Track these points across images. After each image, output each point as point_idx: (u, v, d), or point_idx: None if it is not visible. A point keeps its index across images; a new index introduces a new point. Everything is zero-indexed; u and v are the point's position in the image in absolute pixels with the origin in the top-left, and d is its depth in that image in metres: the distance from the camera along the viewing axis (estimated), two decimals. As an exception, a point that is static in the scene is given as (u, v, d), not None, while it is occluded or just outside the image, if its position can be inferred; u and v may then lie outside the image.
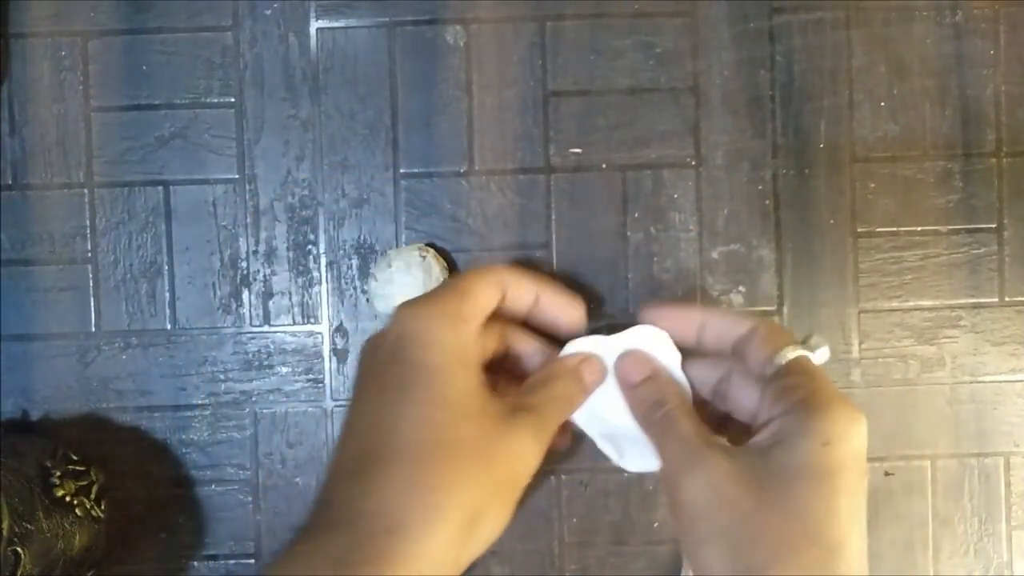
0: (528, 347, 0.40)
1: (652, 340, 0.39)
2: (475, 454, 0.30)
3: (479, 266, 0.44)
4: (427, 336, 0.31)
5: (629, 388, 0.37)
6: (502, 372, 0.40)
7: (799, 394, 0.32)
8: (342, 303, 0.67)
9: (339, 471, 0.30)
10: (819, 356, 0.35)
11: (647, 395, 0.36)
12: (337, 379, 0.67)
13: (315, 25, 0.66)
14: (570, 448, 0.41)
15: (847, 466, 0.30)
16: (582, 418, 0.39)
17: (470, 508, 0.29)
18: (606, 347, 0.39)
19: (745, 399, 0.36)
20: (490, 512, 0.30)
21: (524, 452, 0.32)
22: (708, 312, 0.38)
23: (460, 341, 0.32)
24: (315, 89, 0.66)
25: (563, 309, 0.39)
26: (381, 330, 0.34)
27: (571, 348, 0.39)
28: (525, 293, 0.38)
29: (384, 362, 0.31)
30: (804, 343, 0.35)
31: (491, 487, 0.30)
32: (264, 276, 0.66)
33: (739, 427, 0.37)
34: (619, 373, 0.38)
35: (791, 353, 0.34)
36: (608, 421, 0.39)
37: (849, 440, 0.30)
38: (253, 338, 0.66)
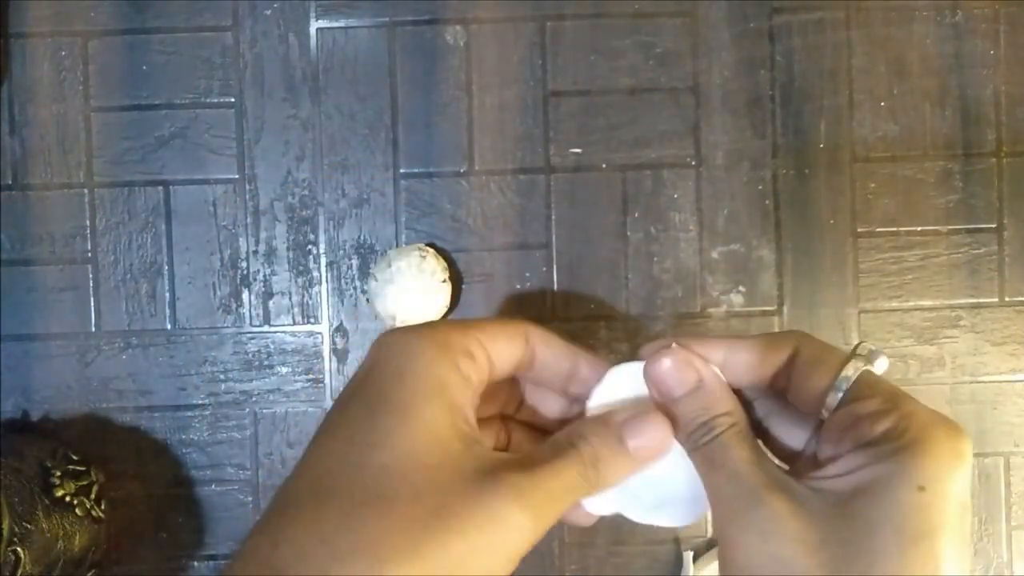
0: (563, 364, 0.30)
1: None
2: (426, 516, 0.22)
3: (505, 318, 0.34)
4: (401, 363, 0.25)
5: (670, 402, 0.28)
6: (527, 427, 0.32)
7: (881, 423, 0.24)
8: (342, 303, 0.67)
9: (263, 516, 0.24)
10: (879, 367, 0.27)
11: (693, 412, 0.27)
12: (337, 379, 0.67)
13: (315, 25, 0.66)
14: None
15: (950, 520, 0.23)
16: (619, 498, 0.28)
17: None
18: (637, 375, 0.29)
19: (796, 436, 0.29)
20: None
21: (503, 523, 0.23)
22: (731, 343, 0.29)
23: (440, 373, 0.25)
24: (315, 89, 0.66)
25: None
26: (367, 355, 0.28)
27: (615, 377, 0.29)
28: (560, 358, 0.29)
29: (350, 393, 0.25)
30: (857, 355, 0.27)
31: (444, 562, 0.22)
32: (264, 276, 0.66)
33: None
34: (655, 381, 0.28)
35: (853, 371, 0.26)
36: (658, 483, 0.29)
37: (952, 481, 0.23)
38: (253, 338, 0.66)
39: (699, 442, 0.27)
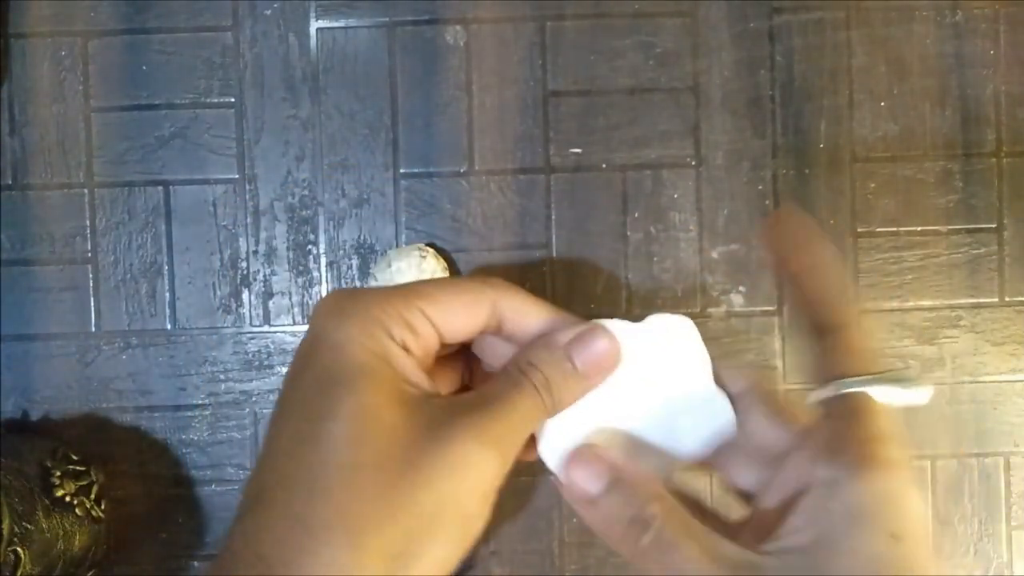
0: (526, 320, 0.27)
1: (675, 335, 0.28)
2: (391, 476, 0.22)
3: (469, 275, 0.29)
4: (337, 336, 0.24)
5: (585, 505, 0.25)
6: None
7: (842, 454, 0.23)
8: (342, 303, 0.67)
9: (237, 509, 0.24)
10: (896, 397, 0.25)
11: (619, 508, 0.25)
12: (337, 379, 0.67)
13: (315, 25, 0.66)
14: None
15: (928, 571, 0.22)
16: (561, 436, 0.27)
17: (384, 549, 0.22)
18: (623, 330, 0.27)
19: (770, 441, 0.27)
20: (425, 549, 0.23)
21: (468, 464, 0.23)
22: (756, 384, 0.27)
23: (375, 346, 0.24)
24: (315, 89, 0.66)
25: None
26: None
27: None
28: (534, 325, 0.27)
29: (296, 371, 0.25)
30: (880, 377, 0.26)
31: (419, 516, 0.22)
32: (264, 276, 0.66)
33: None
34: (568, 489, 0.26)
35: (850, 387, 0.25)
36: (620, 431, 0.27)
37: (921, 522, 0.22)
38: (253, 338, 0.66)
39: (640, 544, 0.24)
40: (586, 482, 0.25)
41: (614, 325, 0.27)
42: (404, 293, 0.25)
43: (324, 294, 0.66)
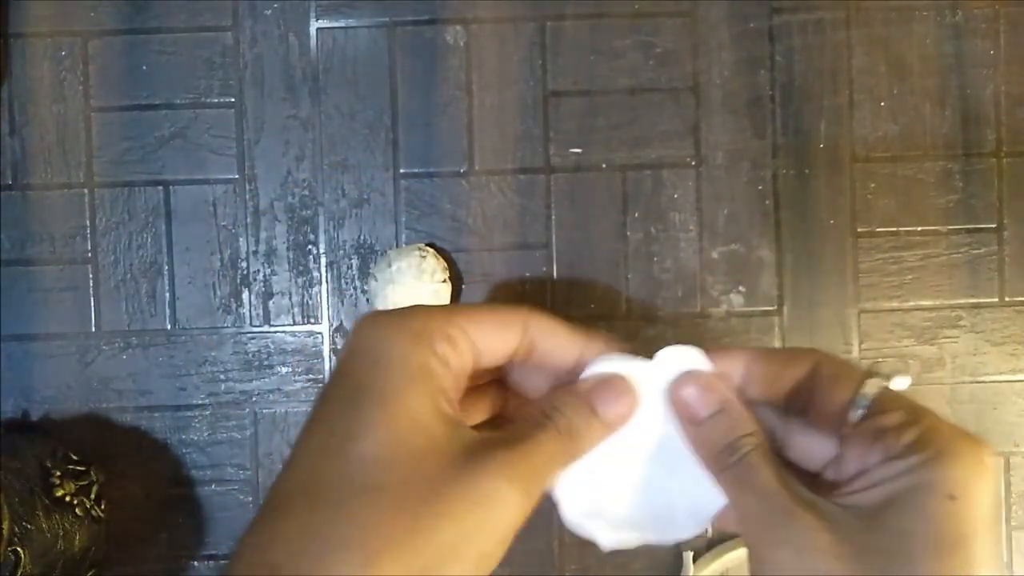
0: (558, 351, 0.29)
1: (687, 367, 0.29)
2: (416, 503, 0.22)
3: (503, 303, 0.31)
4: (377, 350, 0.24)
5: (693, 425, 0.28)
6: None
7: (906, 435, 0.24)
8: (342, 303, 0.67)
9: (257, 515, 0.24)
10: (897, 384, 0.27)
11: (718, 435, 0.27)
12: (337, 379, 0.67)
13: (315, 25, 0.66)
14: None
15: (981, 526, 0.23)
16: (593, 516, 0.29)
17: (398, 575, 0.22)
18: (639, 371, 0.29)
19: (815, 452, 0.28)
20: None
21: (493, 501, 0.23)
22: (751, 354, 0.29)
23: (417, 359, 0.24)
24: (315, 89, 0.66)
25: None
26: (345, 342, 0.27)
27: (595, 368, 0.29)
28: (565, 350, 0.28)
29: (331, 385, 0.25)
30: (876, 373, 0.27)
31: (439, 547, 0.22)
32: (264, 276, 0.66)
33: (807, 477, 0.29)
34: (678, 403, 0.28)
35: (874, 386, 0.26)
36: (632, 484, 0.29)
37: (981, 489, 0.23)
38: (253, 338, 0.66)
39: (726, 463, 0.27)
40: (697, 404, 0.28)
41: (630, 365, 0.28)
42: (444, 310, 0.26)
43: (323, 293, 0.66)
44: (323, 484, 0.23)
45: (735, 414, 0.27)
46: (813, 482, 0.28)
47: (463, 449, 0.24)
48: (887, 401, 0.26)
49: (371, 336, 0.25)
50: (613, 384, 0.28)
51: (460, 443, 0.24)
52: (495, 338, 0.27)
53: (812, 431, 0.28)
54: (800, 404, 0.28)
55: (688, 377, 0.28)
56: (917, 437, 0.24)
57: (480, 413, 0.31)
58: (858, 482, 0.25)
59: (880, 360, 0.25)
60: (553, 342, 0.28)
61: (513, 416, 0.31)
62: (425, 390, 0.24)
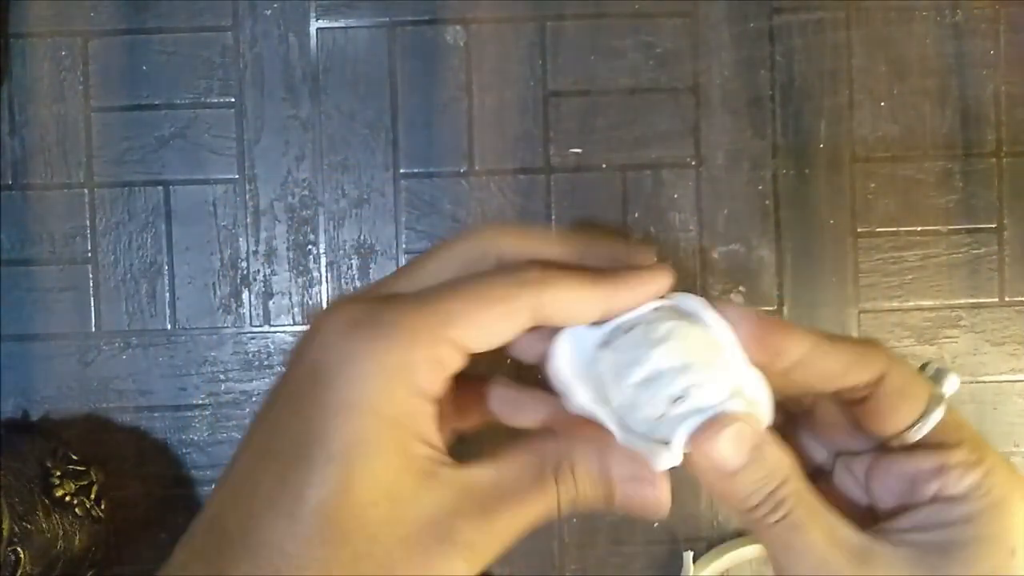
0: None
1: (694, 316, 0.24)
2: None
3: (502, 272, 0.24)
4: (348, 387, 0.20)
5: (720, 476, 0.23)
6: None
7: (969, 477, 0.23)
8: (342, 303, 0.67)
9: (187, 535, 0.22)
10: (950, 388, 0.25)
11: (754, 486, 0.23)
12: (337, 379, 0.67)
13: (315, 25, 0.66)
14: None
15: None
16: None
17: None
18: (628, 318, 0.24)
19: (847, 445, 0.26)
20: None
21: None
22: (817, 342, 0.24)
23: (399, 404, 0.21)
24: (315, 89, 0.66)
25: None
26: (304, 338, 0.22)
27: (564, 346, 0.24)
28: (584, 314, 0.23)
29: (287, 398, 0.21)
30: (927, 375, 0.26)
31: None
32: (264, 276, 0.67)
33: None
34: (705, 456, 0.23)
35: (939, 413, 0.24)
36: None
37: None
38: (253, 338, 0.66)
39: (767, 521, 0.24)
40: (731, 455, 0.23)
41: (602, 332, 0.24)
42: (431, 323, 0.21)
43: (323, 293, 0.66)
44: (265, 546, 0.20)
45: (771, 458, 0.23)
46: (820, 479, 0.26)
47: (431, 519, 0.21)
48: (950, 429, 0.24)
49: (340, 365, 0.21)
50: (652, 476, 0.23)
51: (430, 509, 0.21)
52: (493, 334, 0.22)
53: (856, 433, 0.26)
54: (854, 404, 0.25)
55: (712, 425, 0.23)
56: (979, 481, 0.23)
57: (474, 414, 0.27)
58: (909, 518, 0.24)
59: (931, 361, 0.23)
60: (571, 312, 0.23)
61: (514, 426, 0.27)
62: (396, 444, 0.21)
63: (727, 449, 0.23)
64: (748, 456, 0.23)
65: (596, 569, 0.67)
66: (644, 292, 0.24)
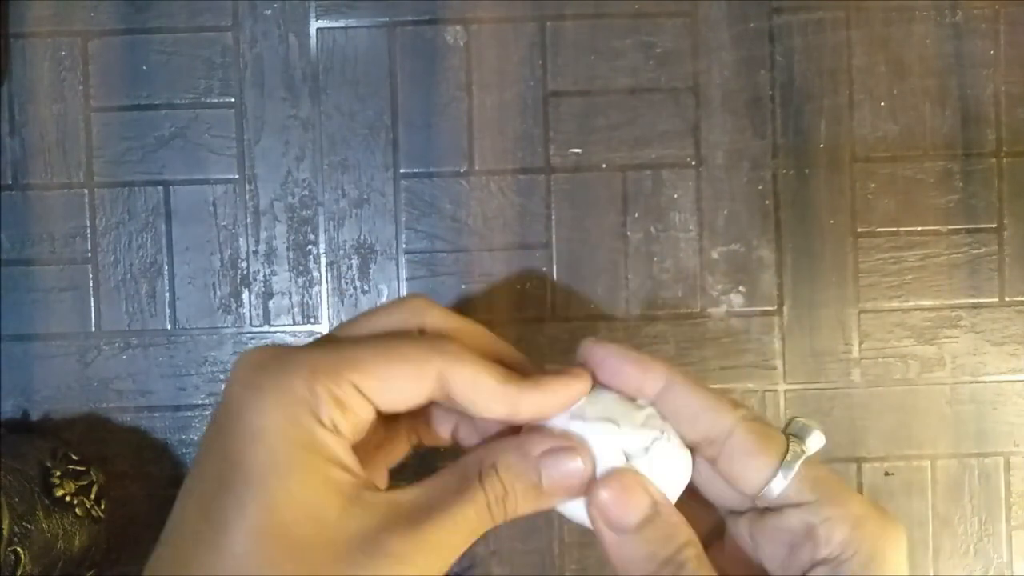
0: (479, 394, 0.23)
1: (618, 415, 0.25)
2: None
3: (414, 339, 0.24)
4: (253, 420, 0.20)
5: (620, 533, 0.23)
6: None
7: (836, 533, 0.23)
8: (342, 303, 0.67)
9: None
10: (813, 446, 0.25)
11: (654, 547, 0.23)
12: (337, 379, 0.67)
13: (315, 25, 0.66)
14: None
15: None
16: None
17: None
18: (589, 434, 0.24)
19: (741, 548, 0.26)
20: None
21: None
22: (674, 375, 0.24)
23: (302, 432, 0.21)
24: (315, 89, 0.66)
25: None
26: (228, 379, 0.22)
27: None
28: (483, 398, 0.23)
29: (206, 451, 0.22)
30: (789, 431, 0.25)
31: None
32: (264, 276, 0.67)
33: None
34: (600, 511, 0.23)
35: (793, 467, 0.23)
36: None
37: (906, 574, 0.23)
38: (253, 338, 0.66)
39: None
40: (627, 512, 0.23)
41: (576, 426, 0.24)
42: (333, 362, 0.21)
43: (323, 293, 0.66)
44: None
45: (670, 518, 0.23)
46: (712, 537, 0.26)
47: (359, 535, 0.20)
48: (814, 484, 0.23)
49: (247, 398, 0.21)
50: (567, 453, 0.23)
51: (357, 526, 0.21)
52: (399, 392, 0.22)
53: (722, 484, 0.25)
54: (711, 455, 0.25)
55: (606, 482, 0.23)
56: (848, 537, 0.23)
57: (395, 448, 0.27)
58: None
59: (798, 416, 0.23)
60: (476, 396, 0.23)
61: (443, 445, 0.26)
62: (311, 465, 0.21)
63: (622, 505, 0.23)
64: (645, 511, 0.23)
65: (596, 569, 0.67)
66: (553, 400, 0.24)
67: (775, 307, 0.67)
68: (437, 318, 0.25)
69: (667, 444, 0.24)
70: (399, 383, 0.22)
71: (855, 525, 0.23)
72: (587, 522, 0.24)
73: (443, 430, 0.27)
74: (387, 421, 0.25)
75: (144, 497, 0.66)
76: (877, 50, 0.67)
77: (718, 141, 0.67)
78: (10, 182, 0.66)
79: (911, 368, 0.67)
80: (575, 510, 0.24)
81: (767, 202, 0.67)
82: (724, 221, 0.67)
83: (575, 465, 0.23)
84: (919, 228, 0.67)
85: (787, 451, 0.24)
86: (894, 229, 0.67)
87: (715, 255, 0.67)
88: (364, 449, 0.24)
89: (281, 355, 0.22)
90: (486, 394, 0.23)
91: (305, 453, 0.21)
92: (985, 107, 0.67)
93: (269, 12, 0.66)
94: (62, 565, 0.58)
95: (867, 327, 0.67)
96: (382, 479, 0.27)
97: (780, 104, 0.67)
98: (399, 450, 0.27)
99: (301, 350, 0.22)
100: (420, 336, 0.23)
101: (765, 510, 0.25)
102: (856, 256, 0.67)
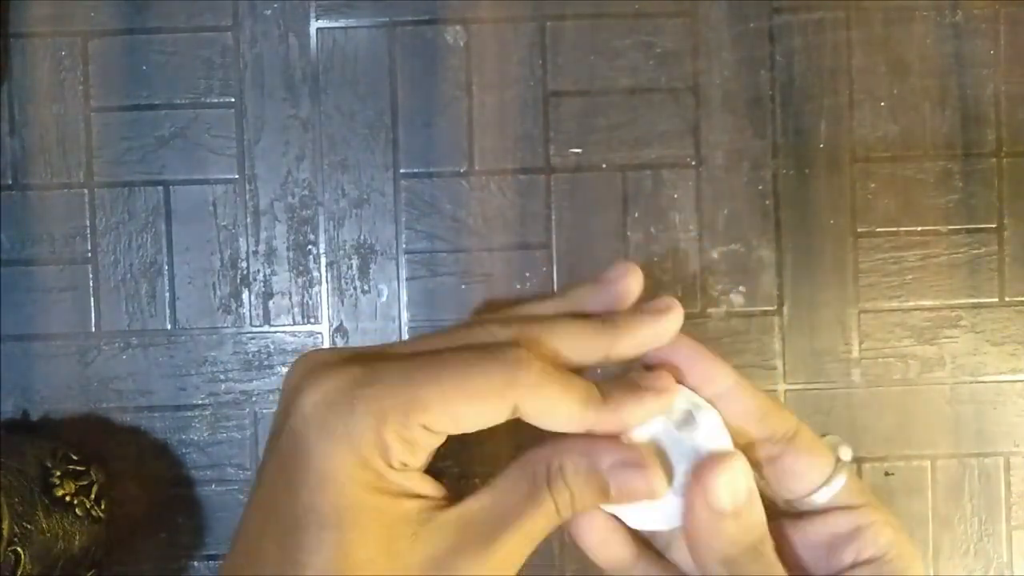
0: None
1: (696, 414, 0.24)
2: None
3: (493, 360, 0.23)
4: (325, 462, 0.21)
5: (714, 517, 0.23)
6: None
7: (882, 534, 0.23)
8: (342, 303, 0.67)
9: None
10: (844, 456, 0.27)
11: (743, 534, 0.23)
12: (337, 379, 0.67)
13: (315, 25, 0.66)
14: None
15: None
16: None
17: None
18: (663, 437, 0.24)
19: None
20: None
21: None
22: (739, 380, 0.24)
23: (371, 479, 0.21)
24: (315, 89, 0.66)
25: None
26: (287, 398, 0.23)
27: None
28: (558, 424, 0.23)
29: (271, 477, 0.22)
30: (837, 455, 0.26)
31: None
32: (264, 276, 0.66)
33: None
34: (703, 488, 0.23)
35: (843, 472, 0.24)
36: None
37: None
38: (253, 338, 0.66)
39: (746, 568, 0.23)
40: (734, 494, 0.23)
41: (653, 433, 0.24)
42: (403, 407, 0.21)
43: (323, 293, 0.66)
44: None
45: (758, 509, 0.23)
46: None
47: (431, 560, 0.21)
48: (852, 491, 0.24)
49: (315, 439, 0.21)
50: (640, 459, 0.23)
51: (429, 552, 0.21)
52: (471, 423, 0.22)
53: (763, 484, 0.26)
54: (765, 462, 0.25)
55: (719, 462, 0.23)
56: (893, 539, 0.24)
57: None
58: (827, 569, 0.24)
59: (825, 435, 0.23)
60: (551, 423, 0.22)
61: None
62: (382, 504, 0.21)
63: (730, 485, 0.23)
64: (745, 497, 0.23)
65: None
66: (632, 421, 0.23)
67: (775, 307, 0.67)
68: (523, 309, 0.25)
69: (723, 434, 0.24)
70: (472, 418, 0.22)
71: (897, 529, 0.24)
72: (641, 523, 0.24)
73: None
74: None
75: (144, 497, 0.66)
76: (877, 50, 0.67)
77: (718, 141, 0.67)
78: (10, 182, 0.66)
79: (911, 368, 0.67)
80: (630, 510, 0.24)
81: (767, 202, 0.67)
82: (724, 221, 0.67)
83: (645, 481, 0.23)
84: (919, 228, 0.67)
85: (837, 458, 0.25)
86: (894, 229, 0.67)
87: (715, 255, 0.67)
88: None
89: (348, 393, 0.21)
90: (563, 421, 0.22)
91: (375, 495, 0.21)
92: (985, 107, 0.67)
93: (269, 12, 0.66)
94: (62, 565, 0.58)
95: (867, 327, 0.67)
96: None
97: (780, 104, 0.67)
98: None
99: (368, 385, 0.22)
100: (494, 356, 0.22)
101: (797, 516, 0.25)
102: (856, 256, 0.67)
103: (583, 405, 0.22)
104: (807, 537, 0.25)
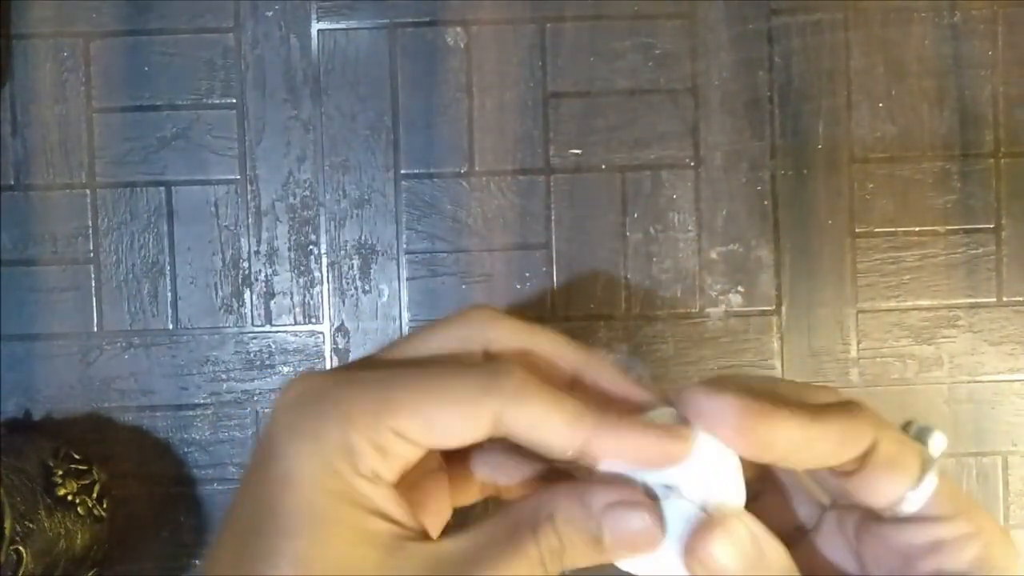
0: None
1: (712, 463, 0.21)
2: None
3: (474, 369, 0.21)
4: (289, 465, 0.19)
5: None
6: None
7: (967, 551, 0.21)
8: (343, 303, 0.67)
9: None
10: (937, 448, 0.23)
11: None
12: (338, 379, 0.67)
13: (316, 27, 0.67)
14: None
15: None
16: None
17: None
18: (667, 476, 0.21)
19: (837, 547, 0.24)
20: None
21: None
22: (804, 423, 0.21)
23: (339, 483, 0.19)
24: (316, 90, 0.67)
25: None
26: (273, 409, 0.21)
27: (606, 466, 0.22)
28: (547, 439, 0.20)
29: (244, 482, 0.21)
30: (911, 436, 0.23)
31: None
32: (266, 276, 0.67)
33: None
34: (702, 561, 0.20)
35: (931, 477, 0.22)
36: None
37: None
38: (255, 338, 0.67)
39: None
40: (734, 564, 0.20)
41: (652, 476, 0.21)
42: (372, 405, 0.20)
43: (324, 293, 0.66)
44: None
45: (772, 555, 0.21)
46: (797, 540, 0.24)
47: None
48: (942, 496, 0.22)
49: (283, 440, 0.20)
50: (635, 510, 0.20)
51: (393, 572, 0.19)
52: (447, 435, 0.20)
53: (837, 525, 0.24)
54: (841, 477, 0.23)
55: (710, 529, 0.20)
56: (979, 556, 0.21)
57: (467, 493, 0.25)
58: None
59: (913, 420, 0.21)
60: (538, 441, 0.20)
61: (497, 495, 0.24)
62: (347, 518, 0.19)
63: (725, 554, 0.20)
64: (753, 563, 0.20)
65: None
66: (634, 448, 0.21)
67: (773, 307, 0.67)
68: (504, 334, 0.22)
69: (724, 464, 0.22)
70: (447, 427, 0.20)
71: (987, 544, 0.22)
72: (647, 570, 0.22)
73: (492, 477, 0.24)
74: (456, 455, 0.23)
75: (146, 496, 0.67)
76: (875, 51, 0.67)
77: (717, 142, 0.67)
78: (12, 182, 0.66)
79: (909, 368, 0.67)
80: (639, 564, 0.22)
81: (765, 202, 0.67)
82: (723, 221, 0.67)
83: (642, 523, 0.20)
84: (917, 228, 0.67)
85: (923, 465, 0.22)
86: (892, 229, 0.67)
87: (714, 255, 0.67)
88: (422, 487, 0.22)
89: (320, 392, 0.20)
90: (551, 437, 0.20)
91: (341, 505, 0.19)
92: (983, 108, 0.67)
93: (270, 14, 0.67)
94: (64, 564, 0.58)
95: (865, 327, 0.67)
96: (442, 519, 0.25)
97: (778, 105, 0.67)
98: (471, 490, 0.25)
99: (341, 386, 0.20)
100: (475, 366, 0.21)
101: (879, 518, 0.23)
102: (854, 256, 0.67)
103: (574, 417, 0.20)
104: (883, 542, 0.23)
